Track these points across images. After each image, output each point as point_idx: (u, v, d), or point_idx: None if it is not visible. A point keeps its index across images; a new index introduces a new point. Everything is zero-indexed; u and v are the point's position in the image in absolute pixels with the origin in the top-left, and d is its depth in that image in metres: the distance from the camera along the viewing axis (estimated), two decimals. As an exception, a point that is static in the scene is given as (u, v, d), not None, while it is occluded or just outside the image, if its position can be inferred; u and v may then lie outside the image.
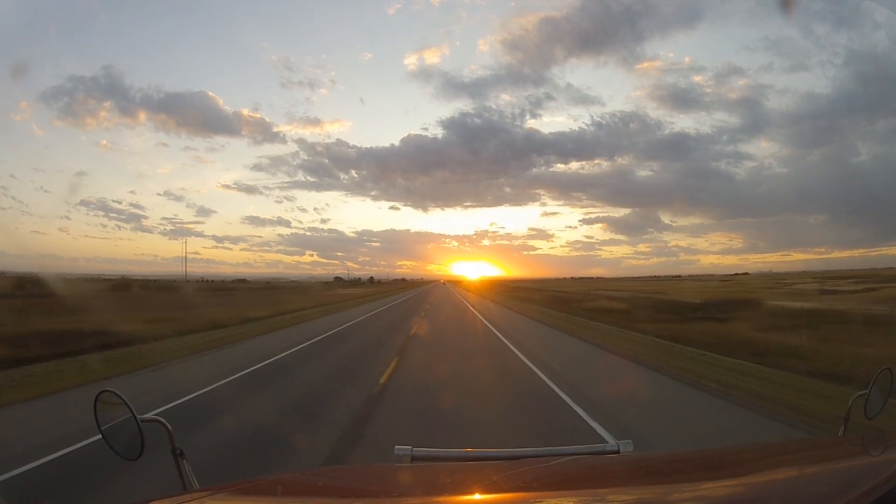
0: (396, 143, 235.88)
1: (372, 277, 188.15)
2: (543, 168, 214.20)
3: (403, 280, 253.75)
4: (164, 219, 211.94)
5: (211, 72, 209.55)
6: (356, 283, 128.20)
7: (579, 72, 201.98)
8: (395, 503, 1.32)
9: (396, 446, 1.55)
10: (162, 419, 1.38)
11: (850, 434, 1.54)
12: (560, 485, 1.39)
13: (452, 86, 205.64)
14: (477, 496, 1.25)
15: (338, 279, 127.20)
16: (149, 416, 1.35)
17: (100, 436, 1.38)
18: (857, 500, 0.87)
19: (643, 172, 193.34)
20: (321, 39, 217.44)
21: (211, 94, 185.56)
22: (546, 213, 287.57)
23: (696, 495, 1.21)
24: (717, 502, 1.16)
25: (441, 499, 1.30)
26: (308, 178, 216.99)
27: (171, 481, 1.42)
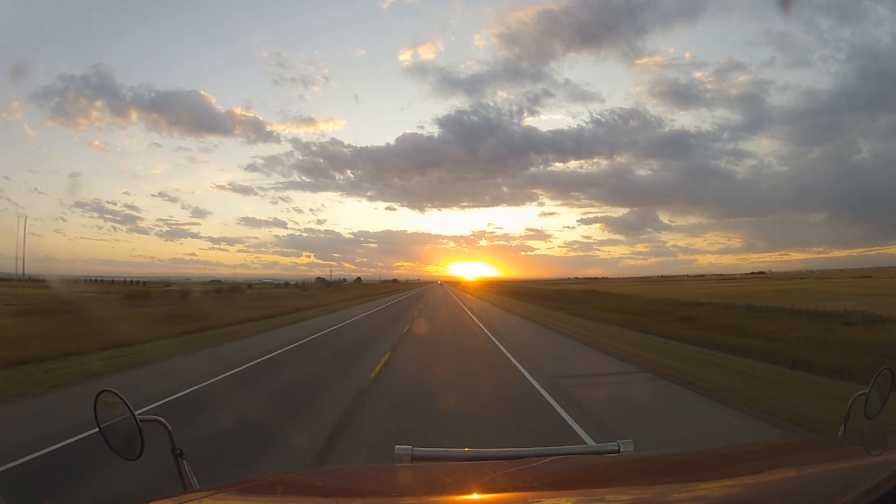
0: (392, 141, 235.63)
1: (359, 278, 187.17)
2: (541, 167, 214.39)
3: (395, 281, 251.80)
4: (159, 220, 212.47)
5: (202, 69, 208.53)
6: (341, 284, 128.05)
7: (578, 67, 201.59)
8: (394, 503, 1.32)
9: (396, 446, 1.55)
10: (161, 419, 1.38)
11: (850, 434, 1.54)
12: (560, 485, 1.39)
13: (448, 82, 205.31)
14: (477, 496, 1.25)
15: (320, 280, 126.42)
16: (149, 415, 1.36)
17: (100, 436, 1.36)
18: (857, 500, 0.87)
19: (642, 171, 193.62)
20: (313, 35, 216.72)
21: (203, 92, 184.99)
22: (544, 214, 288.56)
23: (696, 495, 1.21)
24: (717, 502, 1.16)
25: (441, 499, 1.30)
26: (303, 178, 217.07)
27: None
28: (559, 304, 35.58)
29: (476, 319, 23.54)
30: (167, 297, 47.21)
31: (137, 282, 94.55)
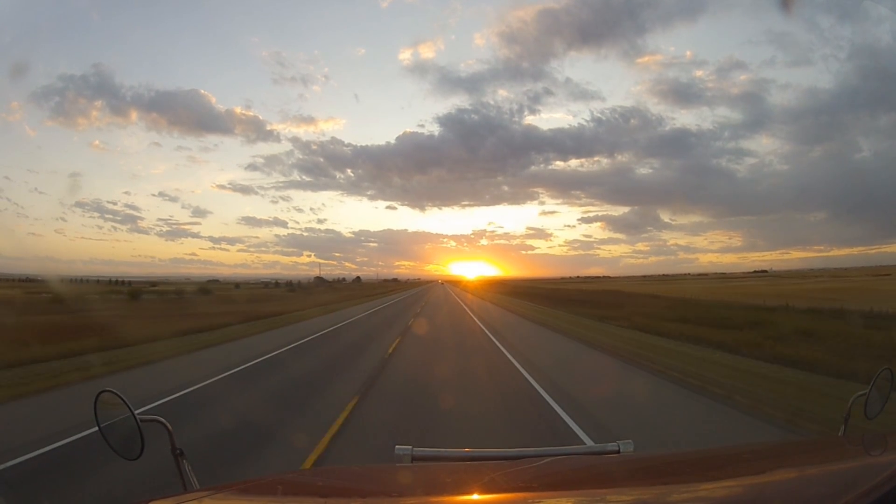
0: (392, 140, 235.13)
1: (358, 278, 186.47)
2: (542, 166, 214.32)
3: (395, 280, 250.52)
4: (159, 220, 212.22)
5: (202, 68, 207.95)
6: (340, 283, 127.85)
7: (579, 65, 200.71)
8: (394, 503, 1.32)
9: (396, 446, 1.55)
10: (161, 419, 1.38)
11: (850, 434, 1.54)
12: (560, 485, 1.39)
13: (448, 81, 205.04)
14: (477, 496, 1.25)
15: (318, 279, 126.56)
16: (149, 416, 1.36)
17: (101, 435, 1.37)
18: (857, 500, 0.86)
19: (643, 170, 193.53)
20: (313, 34, 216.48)
21: (202, 91, 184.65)
22: (544, 213, 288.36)
23: (696, 495, 1.21)
24: (717, 502, 1.16)
25: (441, 499, 1.30)
26: (303, 177, 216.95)
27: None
28: (599, 311, 25.78)
29: (509, 355, 12.54)
30: (110, 300, 37.51)
31: (117, 281, 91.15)
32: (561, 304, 35.17)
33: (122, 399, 1.36)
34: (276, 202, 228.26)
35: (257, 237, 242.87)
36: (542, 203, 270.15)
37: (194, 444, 5.51)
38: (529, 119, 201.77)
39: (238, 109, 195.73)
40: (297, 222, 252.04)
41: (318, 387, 8.80)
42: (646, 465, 1.59)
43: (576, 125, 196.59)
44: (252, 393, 8.55)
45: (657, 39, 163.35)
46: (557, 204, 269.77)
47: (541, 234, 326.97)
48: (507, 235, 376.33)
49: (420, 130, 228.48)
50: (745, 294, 34.65)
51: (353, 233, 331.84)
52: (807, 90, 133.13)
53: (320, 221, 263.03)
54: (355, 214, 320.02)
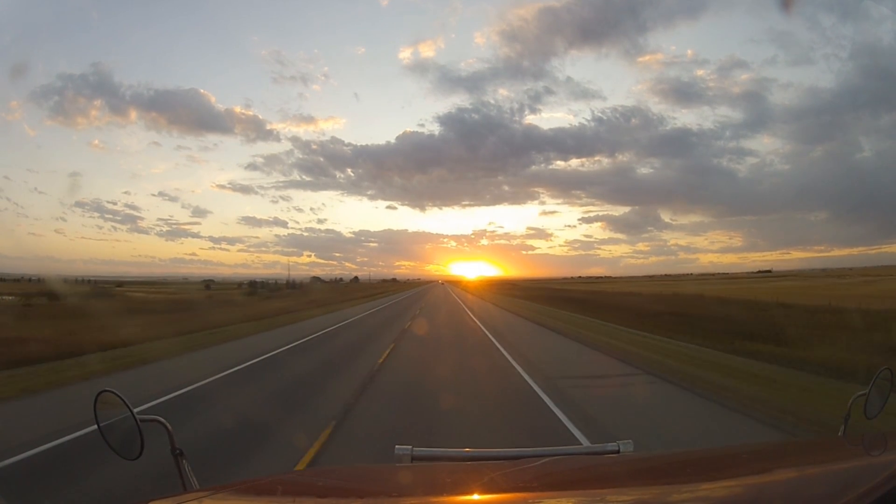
0: (392, 140, 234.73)
1: (356, 278, 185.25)
2: (542, 165, 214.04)
3: (394, 280, 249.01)
4: (159, 220, 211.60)
5: (201, 67, 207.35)
6: (337, 282, 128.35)
7: (580, 64, 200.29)
8: (395, 503, 1.33)
9: (396, 446, 1.55)
10: (161, 419, 1.38)
11: (850, 434, 1.54)
12: (560, 485, 1.39)
13: (449, 80, 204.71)
14: (477, 496, 1.26)
15: (315, 279, 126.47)
16: (148, 415, 1.36)
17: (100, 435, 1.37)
18: (857, 500, 0.86)
19: (644, 169, 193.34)
20: (313, 33, 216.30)
21: (202, 90, 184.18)
22: (545, 212, 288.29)
23: (696, 495, 1.21)
24: (717, 502, 1.16)
25: (441, 499, 1.30)
26: (303, 177, 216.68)
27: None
28: (742, 344, 12.52)
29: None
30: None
31: (90, 281, 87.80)
32: (630, 320, 20.51)
33: (121, 399, 1.36)
34: (276, 202, 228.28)
35: (257, 237, 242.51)
36: (543, 203, 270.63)
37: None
38: (530, 118, 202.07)
39: (238, 109, 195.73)
40: (297, 222, 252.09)
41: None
42: (646, 465, 1.59)
43: (576, 124, 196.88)
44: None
45: (658, 38, 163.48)
46: (558, 204, 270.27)
47: (541, 234, 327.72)
48: (507, 235, 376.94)
49: (420, 130, 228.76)
50: (836, 297, 24.95)
51: (353, 233, 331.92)
52: (808, 89, 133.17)
53: (320, 221, 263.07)
54: (355, 214, 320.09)
